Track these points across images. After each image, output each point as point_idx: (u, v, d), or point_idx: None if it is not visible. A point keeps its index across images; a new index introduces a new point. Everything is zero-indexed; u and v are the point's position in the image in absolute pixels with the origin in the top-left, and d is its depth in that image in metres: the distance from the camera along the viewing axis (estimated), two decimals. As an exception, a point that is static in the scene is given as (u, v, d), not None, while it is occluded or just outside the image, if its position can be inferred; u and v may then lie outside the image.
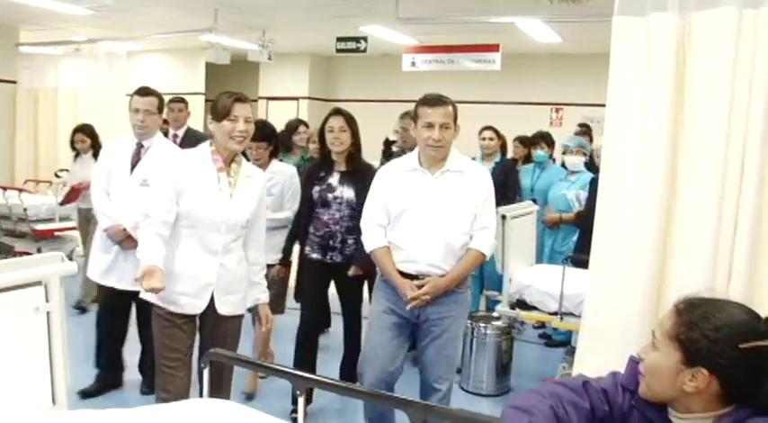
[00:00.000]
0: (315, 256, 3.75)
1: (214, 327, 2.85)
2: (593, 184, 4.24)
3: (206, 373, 2.13)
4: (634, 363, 1.58)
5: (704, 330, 1.40)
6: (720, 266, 2.50)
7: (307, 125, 5.43)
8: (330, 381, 2.17)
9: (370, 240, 3.10)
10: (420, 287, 2.93)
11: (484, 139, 5.30)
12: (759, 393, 1.38)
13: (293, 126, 5.31)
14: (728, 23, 2.51)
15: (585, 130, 6.81)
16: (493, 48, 8.24)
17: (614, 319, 2.69)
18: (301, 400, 2.04)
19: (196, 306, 2.80)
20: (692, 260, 2.55)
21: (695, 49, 2.58)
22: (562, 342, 5.20)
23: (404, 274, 2.99)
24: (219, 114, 2.75)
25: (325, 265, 3.76)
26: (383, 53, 10.74)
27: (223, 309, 2.85)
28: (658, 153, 2.59)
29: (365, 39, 8.71)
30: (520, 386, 4.26)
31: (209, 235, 2.78)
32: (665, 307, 2.52)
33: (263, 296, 3.02)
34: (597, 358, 2.83)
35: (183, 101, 5.32)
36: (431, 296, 2.92)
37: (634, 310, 2.63)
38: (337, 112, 3.82)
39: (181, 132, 5.19)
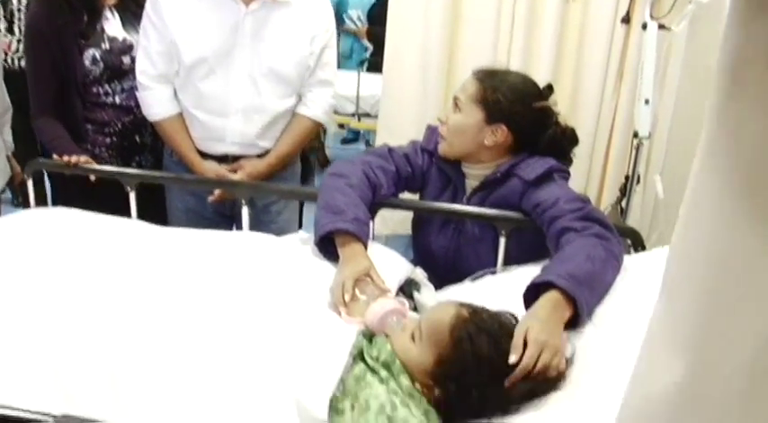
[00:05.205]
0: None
1: None
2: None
3: (30, 184, 2.06)
4: (431, 129, 1.87)
5: (504, 92, 1.68)
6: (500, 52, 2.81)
7: None
8: (158, 173, 2.22)
9: (151, 103, 2.15)
10: (233, 172, 2.16)
11: None
12: (540, 142, 1.72)
13: None
14: None
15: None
16: None
17: (407, 115, 2.93)
18: (132, 195, 2.03)
19: None
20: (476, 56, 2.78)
21: None
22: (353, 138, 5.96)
23: (205, 156, 2.19)
24: None
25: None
26: None
27: None
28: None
29: None
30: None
31: None
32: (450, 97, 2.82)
33: None
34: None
35: None
36: None
37: (425, 105, 2.88)
38: None
39: None
